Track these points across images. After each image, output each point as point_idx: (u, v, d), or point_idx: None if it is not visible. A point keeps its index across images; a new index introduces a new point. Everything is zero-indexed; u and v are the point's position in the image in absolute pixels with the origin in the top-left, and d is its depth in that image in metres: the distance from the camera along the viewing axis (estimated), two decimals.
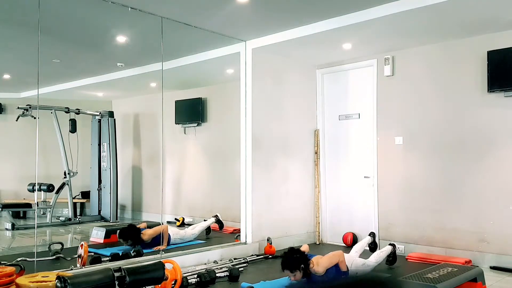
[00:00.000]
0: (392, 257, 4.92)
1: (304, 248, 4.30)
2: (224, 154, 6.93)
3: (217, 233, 6.44)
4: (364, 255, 4.79)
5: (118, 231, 5.42)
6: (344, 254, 4.29)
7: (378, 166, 5.94)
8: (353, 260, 4.44)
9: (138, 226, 5.51)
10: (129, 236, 5.27)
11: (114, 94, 8.08)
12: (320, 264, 4.09)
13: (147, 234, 5.38)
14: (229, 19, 4.83)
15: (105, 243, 5.68)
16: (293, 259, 4.03)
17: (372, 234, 5.27)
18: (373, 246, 5.19)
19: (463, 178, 5.23)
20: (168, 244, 5.50)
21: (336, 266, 4.14)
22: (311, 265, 4.04)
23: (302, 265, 3.99)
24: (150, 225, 5.86)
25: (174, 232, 5.70)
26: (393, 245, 4.97)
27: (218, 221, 6.39)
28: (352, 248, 4.83)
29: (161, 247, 5.17)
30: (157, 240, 5.36)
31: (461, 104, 5.28)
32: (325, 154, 6.53)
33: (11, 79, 7.11)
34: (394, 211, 5.77)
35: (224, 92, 7.12)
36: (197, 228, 6.05)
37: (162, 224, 5.86)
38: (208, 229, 6.27)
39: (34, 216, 7.00)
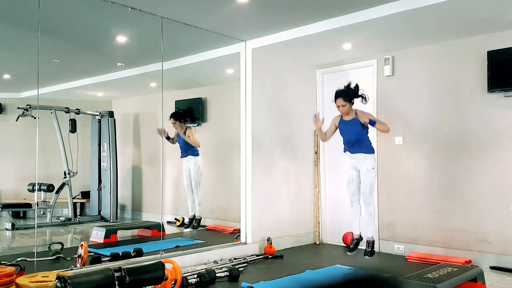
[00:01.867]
0: (371, 249, 4.99)
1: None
2: (224, 154, 6.93)
3: (217, 233, 6.44)
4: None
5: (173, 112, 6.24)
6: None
7: (378, 166, 5.93)
8: (374, 166, 4.98)
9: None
10: (182, 117, 6.26)
11: (114, 94, 8.07)
12: (365, 115, 4.79)
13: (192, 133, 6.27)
14: (229, 19, 4.83)
15: (105, 243, 5.67)
16: (351, 90, 4.77)
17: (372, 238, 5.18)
18: (370, 250, 5.07)
19: (463, 178, 5.23)
20: (196, 155, 6.37)
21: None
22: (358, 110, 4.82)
23: (353, 100, 4.76)
24: (150, 225, 5.92)
25: (200, 161, 6.46)
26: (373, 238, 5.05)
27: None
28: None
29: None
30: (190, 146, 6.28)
31: (461, 104, 5.28)
32: (325, 154, 6.52)
33: (11, 79, 7.11)
34: (394, 211, 5.77)
35: (224, 92, 7.11)
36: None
37: (162, 223, 5.89)
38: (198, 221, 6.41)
39: (34, 216, 6.99)
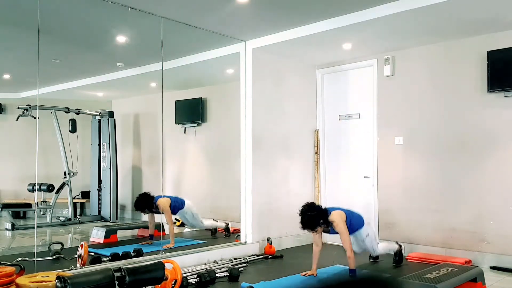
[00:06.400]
0: (398, 257, 4.92)
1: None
2: (224, 154, 6.93)
3: (217, 233, 6.44)
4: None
5: (134, 202, 5.71)
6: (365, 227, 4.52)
7: (378, 166, 5.94)
8: (369, 231, 4.54)
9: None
10: (144, 205, 5.58)
11: (114, 94, 8.07)
12: (341, 224, 4.28)
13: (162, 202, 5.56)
14: (229, 19, 4.83)
15: (105, 243, 5.68)
16: (312, 217, 4.18)
17: (399, 245, 4.99)
18: (397, 259, 4.92)
19: (463, 178, 5.23)
20: (181, 208, 5.78)
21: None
22: (330, 218, 4.23)
23: (322, 220, 4.18)
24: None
25: (190, 205, 5.87)
26: (400, 245, 4.96)
27: (227, 229, 6.38)
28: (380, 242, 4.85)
29: (169, 245, 5.29)
30: (172, 209, 5.59)
31: (461, 104, 5.28)
32: (325, 154, 6.53)
33: (11, 79, 7.11)
34: (394, 211, 5.76)
35: (224, 92, 7.11)
36: (208, 222, 6.13)
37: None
38: (215, 230, 6.36)
39: (34, 216, 6.99)
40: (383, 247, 4.82)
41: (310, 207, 4.27)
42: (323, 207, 4.39)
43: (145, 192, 5.66)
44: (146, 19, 4.70)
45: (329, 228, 4.30)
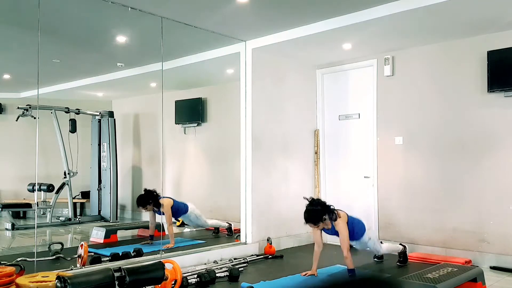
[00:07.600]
0: (403, 258, 4.89)
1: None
2: (224, 154, 6.93)
3: (220, 235, 6.46)
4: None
5: (137, 198, 5.59)
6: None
7: (378, 166, 5.94)
8: (371, 235, 4.50)
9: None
10: (148, 201, 5.48)
11: (114, 94, 8.07)
12: (342, 224, 4.22)
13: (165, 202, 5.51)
14: (229, 19, 4.83)
15: (105, 243, 5.68)
16: (316, 211, 4.18)
17: (404, 246, 4.93)
18: (401, 259, 4.87)
19: (463, 178, 5.23)
20: (185, 213, 5.75)
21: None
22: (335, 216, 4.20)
23: (325, 216, 4.15)
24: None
25: (193, 208, 5.85)
26: (404, 246, 4.92)
27: (229, 229, 6.40)
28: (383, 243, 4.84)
29: (169, 245, 5.29)
30: (175, 212, 5.53)
31: (461, 104, 5.28)
32: (325, 154, 6.53)
33: (11, 79, 7.11)
34: (394, 211, 5.77)
35: (224, 92, 7.11)
36: (212, 221, 6.15)
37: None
38: (217, 230, 6.39)
39: (34, 216, 6.99)
40: (387, 247, 4.81)
41: (315, 202, 4.29)
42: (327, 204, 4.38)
43: (150, 190, 5.61)
44: (146, 19, 4.70)
45: (331, 226, 4.29)
